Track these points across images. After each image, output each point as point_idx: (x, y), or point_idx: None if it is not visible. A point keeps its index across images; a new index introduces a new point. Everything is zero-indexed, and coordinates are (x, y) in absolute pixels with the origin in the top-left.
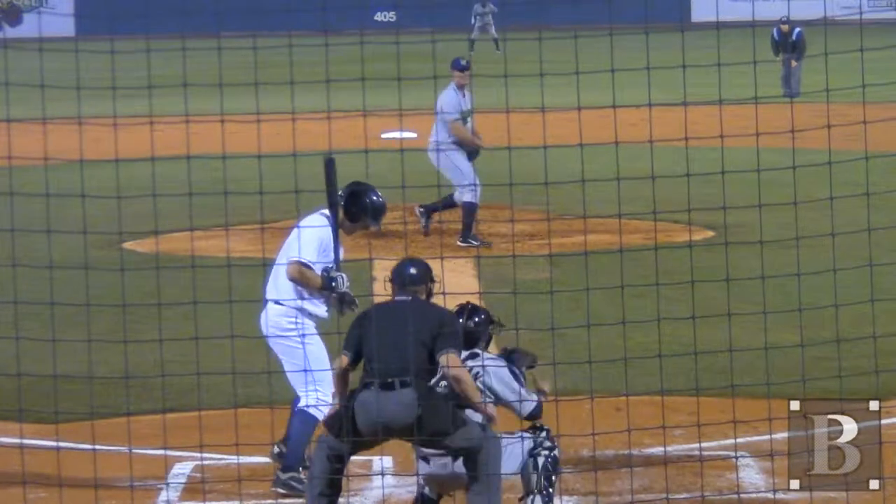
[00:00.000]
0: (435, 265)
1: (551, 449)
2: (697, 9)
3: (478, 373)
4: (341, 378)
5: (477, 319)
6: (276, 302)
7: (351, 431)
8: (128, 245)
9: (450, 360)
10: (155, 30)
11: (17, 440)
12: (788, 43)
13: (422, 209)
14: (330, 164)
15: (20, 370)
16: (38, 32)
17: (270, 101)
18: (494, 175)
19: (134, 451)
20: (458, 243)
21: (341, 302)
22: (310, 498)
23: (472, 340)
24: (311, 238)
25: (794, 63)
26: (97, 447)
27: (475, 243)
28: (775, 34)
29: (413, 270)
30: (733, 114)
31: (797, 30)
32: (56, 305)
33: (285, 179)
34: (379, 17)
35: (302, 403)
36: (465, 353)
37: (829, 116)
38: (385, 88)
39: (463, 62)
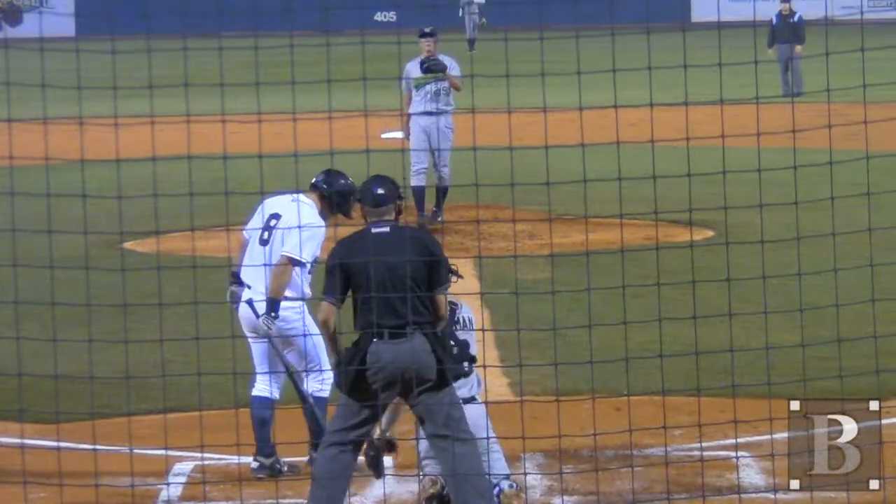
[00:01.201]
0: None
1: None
2: (697, 9)
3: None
4: (326, 327)
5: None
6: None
7: (360, 389)
8: (128, 245)
9: (441, 301)
10: (155, 30)
11: (17, 440)
12: (789, 26)
13: (434, 210)
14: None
15: (21, 370)
16: (39, 32)
17: (270, 100)
18: (494, 175)
19: (135, 451)
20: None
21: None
22: (314, 497)
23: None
24: (315, 237)
25: (798, 48)
26: (98, 447)
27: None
28: (774, 19)
29: (381, 191)
30: (733, 113)
31: (798, 14)
32: (56, 305)
33: (286, 180)
34: (379, 17)
35: (310, 389)
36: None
37: (829, 116)
38: (385, 89)
39: (426, 29)
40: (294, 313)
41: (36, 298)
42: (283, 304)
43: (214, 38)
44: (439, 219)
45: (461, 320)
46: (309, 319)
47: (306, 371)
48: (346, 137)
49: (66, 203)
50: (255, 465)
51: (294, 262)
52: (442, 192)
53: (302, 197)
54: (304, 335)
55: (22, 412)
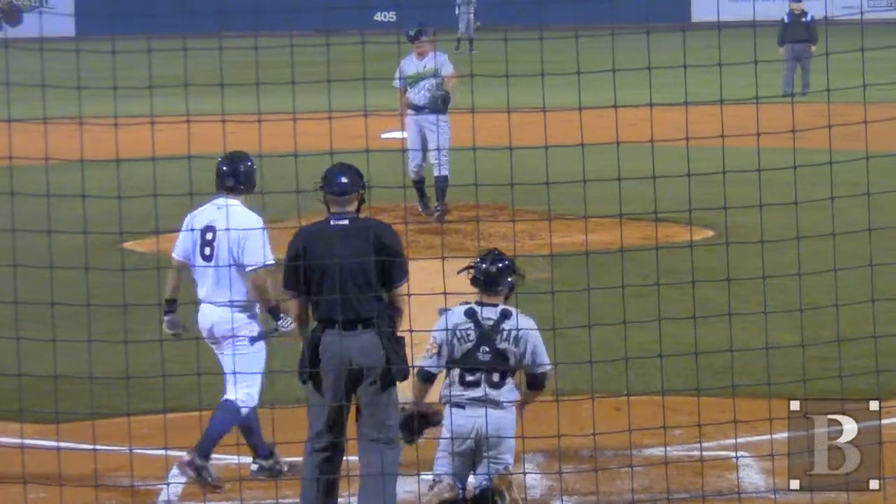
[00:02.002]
0: (435, 265)
1: None
2: (697, 9)
3: (511, 335)
4: (301, 321)
5: (500, 265)
6: (232, 304)
7: (316, 382)
8: (127, 245)
9: (397, 297)
10: (155, 30)
11: (17, 440)
12: (801, 25)
13: (437, 205)
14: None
15: (20, 370)
16: (39, 32)
17: (269, 100)
18: (492, 175)
19: (134, 451)
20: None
21: (271, 333)
22: (304, 498)
23: (490, 283)
24: (261, 236)
25: (812, 48)
26: (98, 447)
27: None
28: (786, 18)
29: (344, 179)
30: (731, 114)
31: (810, 14)
32: (55, 305)
33: (286, 180)
34: (379, 17)
35: (230, 396)
36: (497, 310)
37: (829, 116)
38: (385, 89)
39: (411, 32)
40: (245, 322)
41: (35, 298)
42: (234, 310)
43: (215, 38)
44: (438, 211)
45: (503, 332)
46: (256, 327)
47: (234, 376)
48: (346, 137)
49: (64, 203)
50: (254, 467)
51: (267, 267)
52: (440, 184)
53: (228, 200)
54: (252, 341)
55: (21, 412)
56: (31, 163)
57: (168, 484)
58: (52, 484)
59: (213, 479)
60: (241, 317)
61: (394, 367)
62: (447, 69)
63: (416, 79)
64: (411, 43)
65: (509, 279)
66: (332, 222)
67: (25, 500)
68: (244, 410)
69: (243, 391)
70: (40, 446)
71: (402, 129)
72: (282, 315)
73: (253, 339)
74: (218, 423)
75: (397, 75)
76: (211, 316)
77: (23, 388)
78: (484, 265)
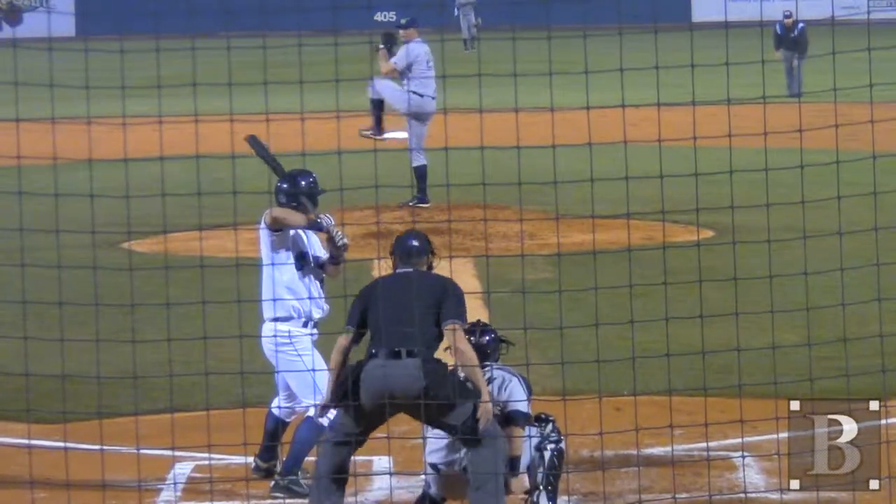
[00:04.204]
0: (435, 264)
1: (557, 442)
2: (698, 9)
3: (491, 379)
4: (341, 353)
5: (487, 339)
6: (274, 319)
7: (356, 402)
8: (134, 245)
9: (456, 334)
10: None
11: (24, 440)
12: (791, 38)
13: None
14: (253, 141)
15: (28, 370)
16: (38, 32)
17: (271, 101)
18: (493, 175)
19: (141, 451)
20: (409, 204)
21: (332, 244)
22: (314, 497)
23: (481, 355)
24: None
25: (794, 62)
26: (104, 447)
27: (424, 205)
28: (778, 28)
29: (415, 243)
30: (734, 114)
31: (800, 24)
32: (61, 305)
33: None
34: (379, 17)
35: (310, 413)
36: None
37: (836, 116)
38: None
39: (402, 21)
40: (281, 337)
41: (42, 298)
42: (272, 326)
43: (215, 38)
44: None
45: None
46: (303, 342)
47: (297, 390)
48: (347, 137)
49: (69, 202)
50: (253, 464)
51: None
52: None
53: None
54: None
55: (28, 412)
56: (38, 162)
57: (175, 483)
58: (59, 484)
59: (305, 489)
60: (279, 331)
61: (440, 393)
62: (399, 63)
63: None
64: (401, 31)
65: (497, 351)
66: (397, 270)
67: (33, 500)
68: (325, 421)
69: (311, 401)
70: (47, 446)
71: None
72: (319, 220)
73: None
74: (301, 440)
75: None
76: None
77: (30, 387)
78: (472, 339)
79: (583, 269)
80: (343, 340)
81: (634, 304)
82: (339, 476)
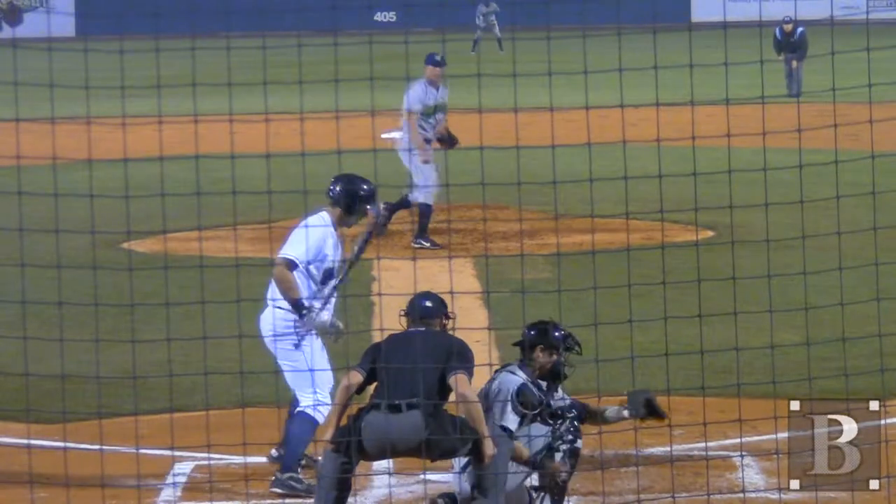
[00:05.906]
0: (436, 264)
1: (572, 441)
2: (697, 9)
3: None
4: (346, 391)
5: (557, 334)
6: (276, 304)
7: (357, 450)
8: (134, 245)
9: (458, 381)
10: (154, 30)
11: (24, 440)
12: (791, 42)
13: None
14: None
15: (27, 370)
16: (38, 32)
17: (272, 101)
18: (492, 175)
19: (141, 451)
20: (412, 244)
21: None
22: (319, 497)
23: (555, 375)
24: (302, 236)
25: (794, 64)
26: (104, 447)
27: (427, 245)
28: (777, 33)
29: (428, 304)
30: (733, 114)
31: (800, 29)
32: (60, 305)
33: (290, 179)
34: (379, 17)
35: (301, 406)
36: (517, 379)
37: (835, 116)
38: (386, 89)
39: (437, 57)
40: (285, 325)
41: (41, 298)
42: (276, 311)
43: (215, 38)
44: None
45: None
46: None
47: (293, 383)
48: (348, 137)
49: (69, 202)
50: (275, 453)
51: (288, 264)
52: (405, 205)
53: (323, 208)
54: (300, 341)
55: (28, 412)
56: (38, 162)
57: (174, 484)
58: (58, 484)
59: (305, 485)
60: (283, 318)
61: (442, 441)
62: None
63: (436, 110)
64: (433, 67)
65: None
66: (410, 329)
67: (32, 499)
68: (319, 413)
69: (310, 397)
70: (47, 446)
71: (421, 157)
72: (305, 310)
73: (300, 340)
74: (294, 435)
75: (415, 101)
76: (262, 314)
77: (29, 387)
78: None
79: (582, 268)
80: (352, 379)
81: (634, 304)
82: (344, 476)
